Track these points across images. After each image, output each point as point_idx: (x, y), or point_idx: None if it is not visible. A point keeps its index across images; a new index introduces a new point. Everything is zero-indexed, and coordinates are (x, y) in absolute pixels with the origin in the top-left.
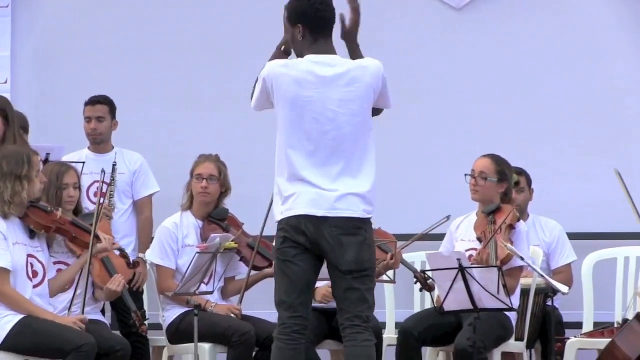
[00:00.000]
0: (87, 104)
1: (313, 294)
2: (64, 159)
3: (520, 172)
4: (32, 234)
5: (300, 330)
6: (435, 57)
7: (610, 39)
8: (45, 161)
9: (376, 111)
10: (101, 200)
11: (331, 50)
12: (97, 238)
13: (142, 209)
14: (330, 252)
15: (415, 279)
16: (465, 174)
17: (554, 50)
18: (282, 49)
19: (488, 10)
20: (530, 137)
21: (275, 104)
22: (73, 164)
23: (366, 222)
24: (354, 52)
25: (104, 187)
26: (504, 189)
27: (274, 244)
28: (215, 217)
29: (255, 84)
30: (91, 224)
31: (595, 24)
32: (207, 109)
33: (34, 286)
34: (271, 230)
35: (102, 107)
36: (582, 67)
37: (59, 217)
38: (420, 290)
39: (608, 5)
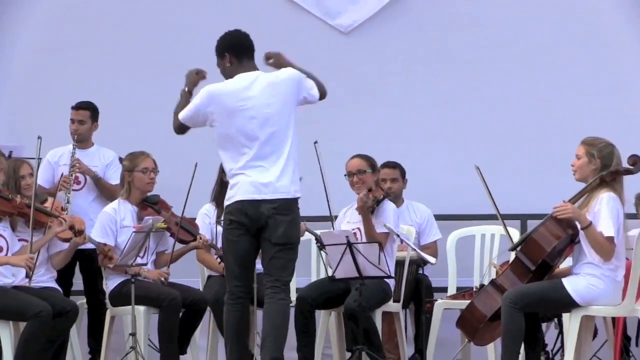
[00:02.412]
0: (73, 108)
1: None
2: (52, 152)
3: (395, 165)
4: None
5: (244, 296)
6: (323, 79)
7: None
8: (9, 157)
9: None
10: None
11: (254, 68)
12: (55, 217)
13: (111, 194)
14: (266, 228)
15: (316, 242)
16: (345, 175)
17: (425, 69)
18: (187, 90)
19: (374, 34)
20: (407, 138)
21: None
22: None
23: (295, 202)
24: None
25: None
26: (376, 177)
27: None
28: (149, 201)
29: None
30: (44, 202)
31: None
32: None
33: None
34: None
35: (84, 112)
36: (446, 82)
37: (19, 202)
38: (320, 249)
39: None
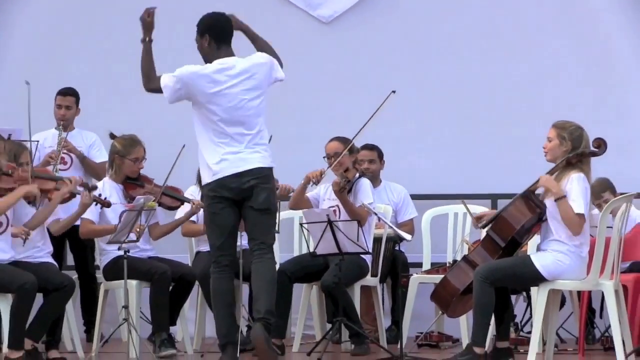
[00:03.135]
0: (59, 94)
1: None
2: (36, 135)
3: (373, 147)
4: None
5: (229, 264)
6: (305, 68)
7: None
8: (8, 140)
9: None
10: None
11: (231, 54)
12: (60, 179)
13: (98, 172)
14: (248, 196)
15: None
16: (323, 157)
17: (401, 57)
18: (147, 39)
19: (353, 24)
20: (384, 122)
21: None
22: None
23: (272, 171)
24: (253, 38)
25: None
26: (354, 158)
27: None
28: (131, 178)
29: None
30: (47, 174)
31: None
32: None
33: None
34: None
35: (71, 98)
36: (422, 70)
37: (20, 175)
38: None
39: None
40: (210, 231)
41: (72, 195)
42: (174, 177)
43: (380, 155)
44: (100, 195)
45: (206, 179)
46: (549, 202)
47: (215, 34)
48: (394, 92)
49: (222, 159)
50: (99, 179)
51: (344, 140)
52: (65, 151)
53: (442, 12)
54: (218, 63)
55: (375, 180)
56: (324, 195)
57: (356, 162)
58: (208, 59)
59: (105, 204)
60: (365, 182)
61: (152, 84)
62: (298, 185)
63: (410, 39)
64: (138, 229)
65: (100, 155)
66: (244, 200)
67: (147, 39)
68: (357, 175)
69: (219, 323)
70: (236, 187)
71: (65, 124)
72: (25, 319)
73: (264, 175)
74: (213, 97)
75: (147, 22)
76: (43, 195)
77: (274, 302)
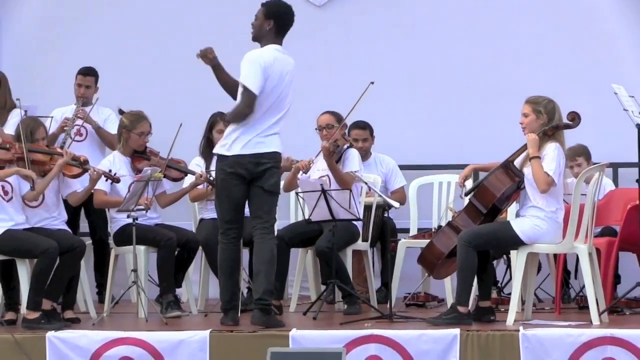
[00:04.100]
0: (79, 73)
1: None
2: (56, 111)
3: (365, 126)
4: (1, 167)
5: (236, 236)
6: (299, 49)
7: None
8: (25, 115)
9: None
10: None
11: (280, 43)
12: (55, 155)
13: (113, 142)
14: (259, 177)
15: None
16: (315, 129)
17: (390, 39)
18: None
19: (344, 7)
20: (374, 98)
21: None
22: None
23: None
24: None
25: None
26: (343, 130)
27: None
28: (138, 151)
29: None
30: (43, 149)
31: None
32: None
33: (7, 201)
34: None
35: (90, 78)
36: (409, 50)
37: (17, 148)
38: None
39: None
40: (221, 205)
41: (85, 171)
42: (177, 151)
43: (371, 132)
44: (110, 171)
45: (226, 149)
46: (526, 171)
47: (279, 23)
48: (372, 83)
49: (242, 136)
50: (114, 148)
51: (335, 114)
52: (81, 123)
53: None
54: (275, 49)
55: (366, 154)
56: (314, 166)
57: (344, 134)
58: (259, 40)
59: (115, 179)
60: (353, 152)
61: (242, 112)
62: (289, 174)
63: (399, 21)
64: (146, 200)
65: (114, 128)
66: (254, 180)
67: (213, 67)
68: (346, 145)
69: (223, 289)
70: (252, 167)
71: (84, 101)
72: (45, 283)
73: (277, 159)
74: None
75: (209, 59)
76: (39, 168)
77: (273, 280)
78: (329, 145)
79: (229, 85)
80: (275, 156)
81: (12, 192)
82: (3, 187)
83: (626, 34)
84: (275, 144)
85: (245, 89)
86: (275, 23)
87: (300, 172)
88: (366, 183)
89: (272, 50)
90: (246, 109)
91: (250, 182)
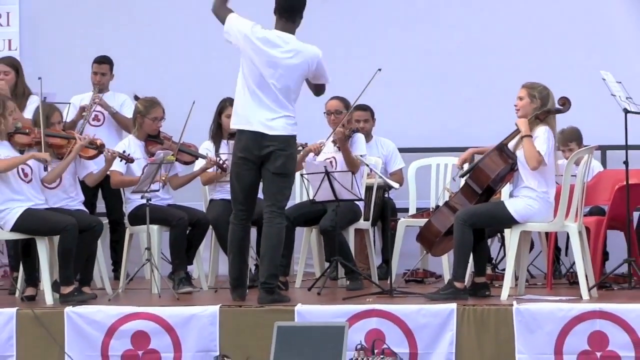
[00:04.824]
0: (95, 61)
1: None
2: (75, 97)
3: (366, 108)
4: (21, 152)
5: (247, 217)
6: (306, 35)
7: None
8: (44, 101)
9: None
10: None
11: (289, 31)
12: (74, 140)
13: (129, 126)
14: (267, 160)
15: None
16: (324, 112)
17: (388, 28)
18: None
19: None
20: (376, 84)
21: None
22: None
23: (293, 139)
24: None
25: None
26: (351, 116)
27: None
28: (152, 135)
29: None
30: (60, 134)
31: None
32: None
33: (27, 182)
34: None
35: (106, 66)
36: (407, 38)
37: (36, 133)
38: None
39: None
40: (234, 188)
41: (100, 153)
42: (188, 136)
43: (372, 114)
44: (124, 152)
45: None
46: (519, 153)
47: (279, 8)
48: (379, 70)
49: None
50: (130, 131)
51: (342, 99)
52: (98, 109)
53: None
54: (274, 33)
55: (367, 136)
56: (324, 149)
57: (351, 120)
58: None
59: (129, 159)
60: (360, 137)
61: (218, 6)
62: (299, 156)
63: (397, 9)
64: (159, 180)
65: (129, 112)
66: (264, 163)
67: None
68: (354, 130)
69: (232, 267)
70: (258, 150)
71: (101, 88)
72: (70, 258)
73: (284, 142)
74: (260, 56)
75: None
76: (57, 152)
77: (277, 264)
78: (345, 130)
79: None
80: (279, 139)
81: (31, 174)
82: (23, 170)
83: (619, 21)
84: (281, 126)
85: (225, 16)
86: (277, 9)
87: (312, 155)
88: (368, 165)
89: (265, 32)
90: (215, 6)
91: (261, 165)
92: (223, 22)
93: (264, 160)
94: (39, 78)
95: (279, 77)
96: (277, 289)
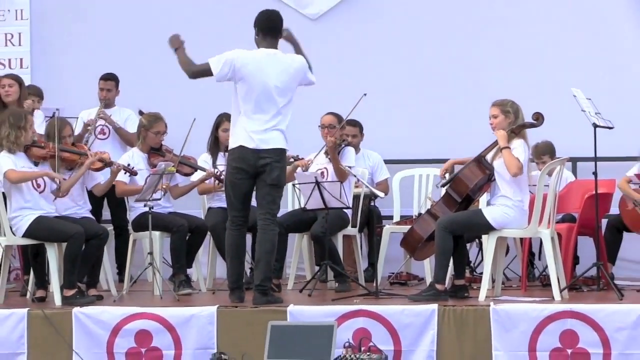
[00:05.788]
0: (101, 78)
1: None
2: (83, 112)
3: (356, 124)
4: (36, 164)
5: (242, 223)
6: None
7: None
8: (52, 116)
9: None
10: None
11: (274, 47)
12: (85, 156)
13: (132, 141)
14: (263, 171)
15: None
16: (318, 126)
17: (375, 51)
18: (178, 49)
19: (336, 21)
20: (369, 103)
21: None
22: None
23: (284, 152)
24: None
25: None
26: (342, 130)
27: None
28: (154, 148)
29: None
30: (72, 149)
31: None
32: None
33: (40, 192)
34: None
35: (111, 82)
36: (393, 61)
37: (50, 148)
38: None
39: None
40: (229, 195)
41: (106, 165)
42: (188, 148)
43: (361, 129)
44: (129, 165)
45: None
46: (497, 164)
47: (262, 28)
48: (365, 94)
49: (241, 131)
50: (132, 145)
51: (336, 115)
52: (103, 123)
53: (414, 10)
54: (261, 51)
55: (355, 149)
56: (316, 160)
57: (342, 134)
58: (258, 47)
59: (133, 172)
60: (350, 150)
61: (194, 67)
62: (289, 168)
63: (384, 32)
64: (161, 189)
65: (133, 126)
66: (260, 174)
67: (177, 49)
68: (344, 143)
69: (230, 270)
70: (253, 162)
71: (107, 103)
72: (76, 263)
73: (278, 155)
74: (251, 77)
75: (177, 42)
76: (68, 165)
77: (272, 268)
78: (335, 139)
79: (184, 63)
80: (275, 152)
81: (44, 186)
82: (36, 181)
83: (580, 41)
84: (276, 140)
85: (207, 63)
86: (258, 30)
87: (301, 169)
88: (355, 176)
89: (253, 52)
90: (190, 70)
91: (256, 175)
92: (209, 72)
93: (260, 171)
94: (57, 109)
95: (278, 92)
96: (270, 290)
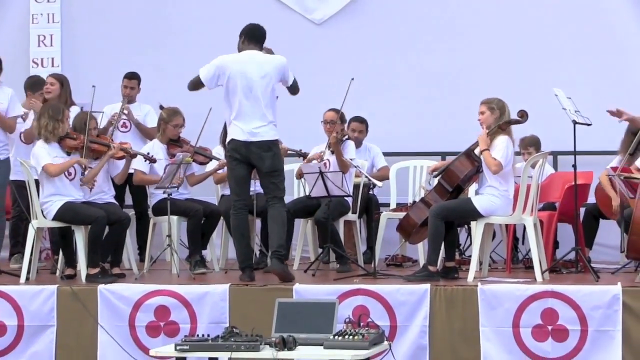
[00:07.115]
0: (125, 77)
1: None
2: (107, 107)
3: (362, 120)
4: (68, 154)
5: (243, 207)
6: (301, 63)
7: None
8: (81, 110)
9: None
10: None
11: (256, 49)
12: (108, 147)
13: (150, 134)
14: (256, 162)
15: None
16: (321, 121)
17: (377, 53)
18: None
19: (340, 25)
20: (371, 99)
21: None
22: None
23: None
24: None
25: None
26: (342, 125)
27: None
28: (173, 139)
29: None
30: (100, 141)
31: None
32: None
33: (70, 180)
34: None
35: (134, 81)
36: (404, 60)
37: (81, 139)
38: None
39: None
40: (229, 181)
41: (127, 155)
42: (203, 140)
43: (367, 126)
44: (148, 153)
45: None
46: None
47: (247, 36)
48: (352, 79)
49: (234, 126)
50: (150, 138)
51: (337, 111)
52: (125, 118)
53: (415, 15)
54: (244, 53)
55: (359, 143)
56: (317, 151)
57: (343, 128)
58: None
59: (152, 160)
60: (350, 143)
61: (190, 81)
62: (336, 151)
63: (385, 35)
64: (179, 179)
65: (152, 122)
66: (254, 165)
67: None
68: (345, 137)
69: (238, 251)
70: (244, 153)
71: (129, 99)
72: (98, 244)
73: (266, 145)
74: (237, 75)
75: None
76: (96, 155)
77: (284, 237)
78: (337, 135)
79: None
80: (262, 144)
81: (74, 174)
82: (68, 169)
83: (567, 42)
84: (263, 133)
85: (198, 75)
86: (244, 37)
87: (304, 160)
88: (357, 167)
89: (236, 54)
90: (190, 84)
91: (249, 163)
92: (201, 82)
93: (253, 161)
94: (93, 86)
95: (261, 88)
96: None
